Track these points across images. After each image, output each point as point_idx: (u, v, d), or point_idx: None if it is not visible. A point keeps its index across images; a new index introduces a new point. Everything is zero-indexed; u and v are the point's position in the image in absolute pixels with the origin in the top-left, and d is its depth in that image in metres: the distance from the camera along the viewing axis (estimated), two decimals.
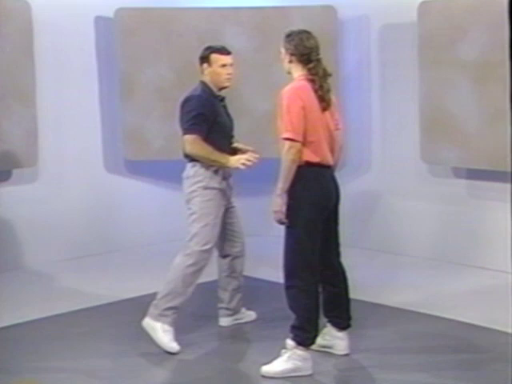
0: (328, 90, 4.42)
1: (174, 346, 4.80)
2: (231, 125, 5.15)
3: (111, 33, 7.27)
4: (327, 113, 4.45)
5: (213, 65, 4.99)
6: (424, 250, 6.96)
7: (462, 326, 5.18)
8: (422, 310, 5.47)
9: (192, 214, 4.94)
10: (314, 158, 4.33)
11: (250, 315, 5.37)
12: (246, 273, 6.27)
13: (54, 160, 7.06)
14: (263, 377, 4.38)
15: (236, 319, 5.30)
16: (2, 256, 6.65)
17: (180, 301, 4.87)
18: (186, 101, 4.95)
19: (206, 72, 5.02)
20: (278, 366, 4.39)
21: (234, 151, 5.04)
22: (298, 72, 4.41)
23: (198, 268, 4.89)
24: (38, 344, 5.00)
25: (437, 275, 6.44)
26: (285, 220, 4.31)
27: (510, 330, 4.84)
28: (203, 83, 5.02)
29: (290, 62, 4.42)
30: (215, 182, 4.95)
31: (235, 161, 4.88)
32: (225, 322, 5.29)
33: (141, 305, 5.10)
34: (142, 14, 7.29)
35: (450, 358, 4.63)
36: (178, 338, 4.84)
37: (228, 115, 5.14)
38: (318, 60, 4.40)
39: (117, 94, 7.35)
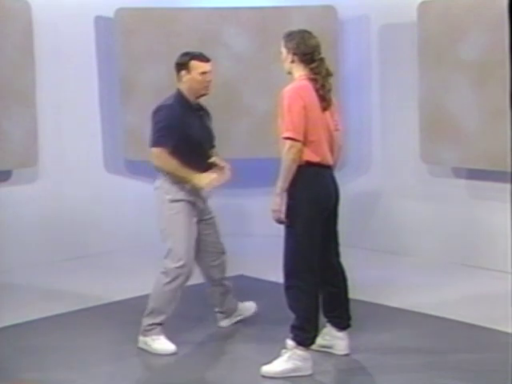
0: (329, 90, 4.42)
1: (169, 348, 4.79)
2: (208, 136, 4.97)
3: (111, 33, 7.27)
4: (327, 113, 4.45)
5: (192, 72, 4.79)
6: (424, 250, 6.96)
7: (462, 325, 5.18)
8: (421, 310, 5.47)
9: (163, 229, 4.83)
10: (315, 158, 4.33)
11: (248, 308, 5.32)
12: (245, 273, 6.30)
13: (54, 160, 7.06)
14: (263, 377, 4.37)
15: (236, 317, 5.26)
16: (1, 256, 6.65)
17: (162, 318, 4.83)
18: (157, 111, 4.79)
19: (184, 79, 4.82)
20: (278, 365, 4.38)
21: (210, 165, 4.89)
22: (299, 72, 4.40)
23: (177, 285, 4.80)
24: (38, 344, 4.99)
25: (437, 275, 6.43)
26: (283, 219, 4.31)
27: (509, 330, 4.84)
28: (179, 92, 4.84)
29: (292, 61, 4.40)
30: (181, 194, 4.79)
31: (201, 180, 4.75)
32: (224, 323, 5.25)
33: (140, 305, 5.08)
34: (142, 13, 7.29)
35: (450, 358, 4.62)
36: (177, 338, 4.85)
37: (205, 126, 4.95)
38: (321, 59, 4.39)
39: (117, 94, 7.35)
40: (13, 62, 6.59)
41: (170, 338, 4.82)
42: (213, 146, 5.03)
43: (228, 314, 5.25)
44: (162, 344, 4.79)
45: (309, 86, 4.36)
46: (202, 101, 5.00)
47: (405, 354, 4.70)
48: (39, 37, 6.79)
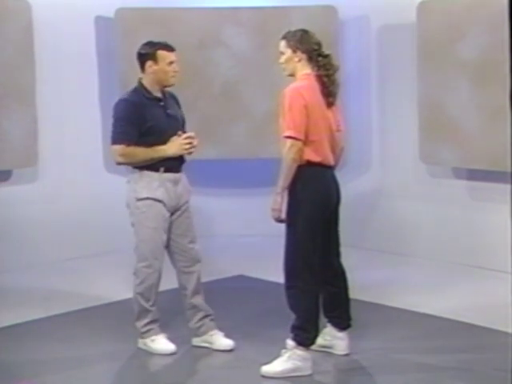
0: (338, 85, 4.41)
1: (169, 348, 4.77)
2: (176, 124, 4.71)
3: (111, 33, 7.27)
4: (330, 113, 4.43)
5: (160, 63, 4.64)
6: (424, 250, 6.96)
7: (462, 325, 5.18)
8: (422, 310, 5.47)
9: (132, 226, 4.71)
10: (315, 158, 4.33)
11: (221, 344, 4.78)
12: (245, 273, 6.28)
13: (54, 160, 7.06)
14: (263, 377, 4.37)
15: (203, 342, 4.83)
16: (2, 256, 6.65)
17: (151, 315, 4.76)
18: (114, 107, 4.69)
19: (150, 70, 4.67)
20: (278, 365, 4.38)
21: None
22: (304, 70, 4.37)
23: (147, 286, 4.69)
24: (38, 344, 4.99)
25: (437, 275, 6.44)
26: (283, 218, 4.31)
27: (510, 330, 4.84)
28: (140, 84, 4.71)
29: (299, 60, 4.37)
30: (149, 192, 4.61)
31: (176, 147, 4.59)
32: (194, 340, 4.87)
33: None
34: (142, 13, 7.28)
35: (450, 357, 4.62)
36: (177, 338, 4.85)
37: (171, 115, 4.70)
38: (329, 54, 4.39)
39: (117, 94, 7.33)
40: (13, 62, 6.59)
41: (170, 338, 4.82)
42: (184, 133, 4.77)
43: (194, 333, 4.87)
44: (161, 344, 4.77)
45: (311, 84, 4.35)
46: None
47: (405, 354, 4.70)
48: (39, 36, 6.79)
